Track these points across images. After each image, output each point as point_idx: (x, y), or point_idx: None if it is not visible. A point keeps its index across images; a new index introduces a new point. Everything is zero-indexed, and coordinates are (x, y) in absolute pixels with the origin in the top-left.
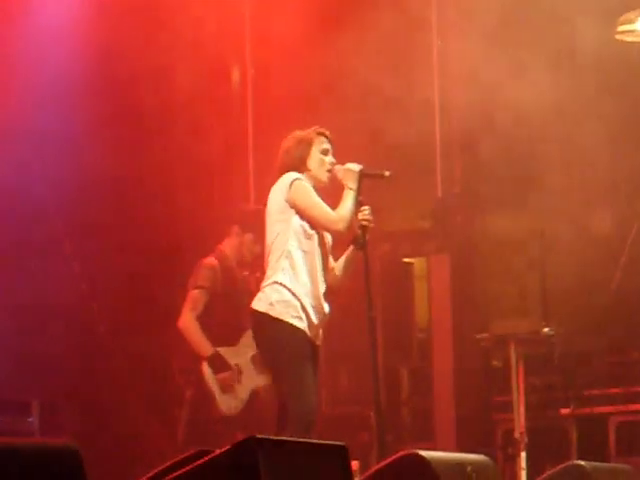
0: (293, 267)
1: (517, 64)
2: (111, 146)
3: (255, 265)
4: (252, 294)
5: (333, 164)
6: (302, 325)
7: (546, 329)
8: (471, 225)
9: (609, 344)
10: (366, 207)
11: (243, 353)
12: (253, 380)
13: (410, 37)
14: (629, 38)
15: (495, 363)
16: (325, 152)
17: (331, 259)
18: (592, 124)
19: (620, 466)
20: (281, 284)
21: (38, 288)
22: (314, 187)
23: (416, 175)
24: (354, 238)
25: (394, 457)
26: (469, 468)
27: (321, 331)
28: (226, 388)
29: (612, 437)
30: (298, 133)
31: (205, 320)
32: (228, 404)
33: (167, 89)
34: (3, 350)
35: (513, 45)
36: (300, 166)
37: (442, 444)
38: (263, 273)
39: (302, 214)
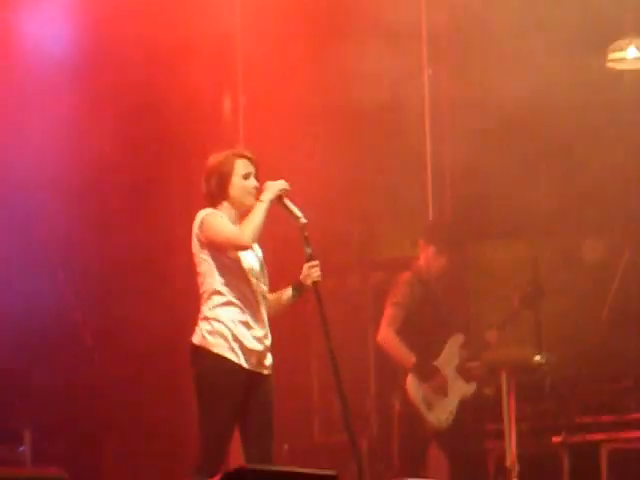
0: (223, 302)
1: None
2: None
3: (444, 277)
4: (450, 306)
5: (257, 188)
6: (234, 357)
7: (537, 357)
8: (464, 253)
9: (601, 371)
10: (316, 262)
11: (447, 364)
12: (460, 390)
13: (400, 67)
14: (620, 66)
15: (487, 391)
16: (247, 176)
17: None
18: (585, 154)
19: None
20: (213, 317)
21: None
22: (237, 215)
23: (408, 203)
24: (296, 285)
25: None
26: None
27: (269, 360)
28: (439, 393)
29: (604, 465)
30: (217, 158)
31: (405, 335)
32: (437, 417)
33: (160, 118)
34: None
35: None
36: (221, 195)
37: (434, 473)
38: (452, 287)
39: (214, 246)
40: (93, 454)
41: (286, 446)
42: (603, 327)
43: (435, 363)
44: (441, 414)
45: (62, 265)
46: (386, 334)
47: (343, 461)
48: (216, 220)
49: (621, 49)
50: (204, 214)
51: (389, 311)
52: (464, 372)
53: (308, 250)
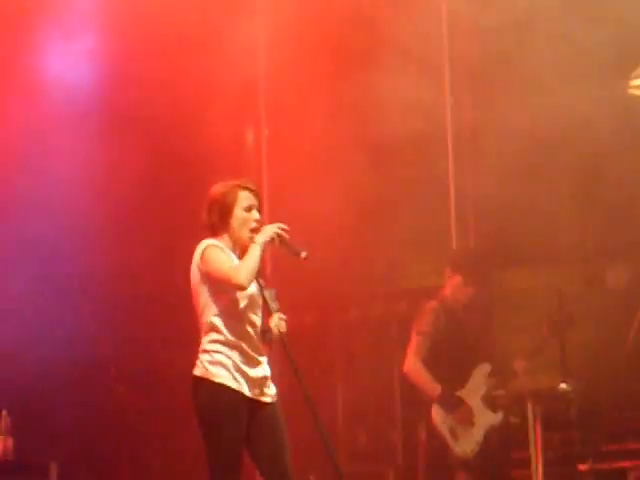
0: (221, 332)
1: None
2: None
3: (470, 306)
4: (477, 335)
5: (258, 221)
6: (236, 385)
7: (563, 385)
8: (488, 281)
9: (627, 399)
10: (283, 316)
11: (473, 393)
12: (487, 420)
13: (423, 97)
14: None
15: (513, 420)
16: (249, 209)
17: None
18: (608, 180)
19: None
20: (213, 350)
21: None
22: (237, 247)
23: (431, 232)
24: (266, 328)
25: None
26: None
27: (272, 388)
28: (465, 423)
29: None
30: (222, 186)
31: (431, 364)
32: (463, 448)
33: (183, 154)
34: (22, 413)
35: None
36: (222, 226)
37: None
38: (478, 316)
39: (212, 280)
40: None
41: (312, 477)
42: (628, 354)
43: (461, 393)
44: (467, 445)
45: (87, 298)
46: (412, 364)
47: None
48: (217, 254)
49: None
50: (205, 245)
51: (415, 340)
52: (490, 401)
53: (274, 306)
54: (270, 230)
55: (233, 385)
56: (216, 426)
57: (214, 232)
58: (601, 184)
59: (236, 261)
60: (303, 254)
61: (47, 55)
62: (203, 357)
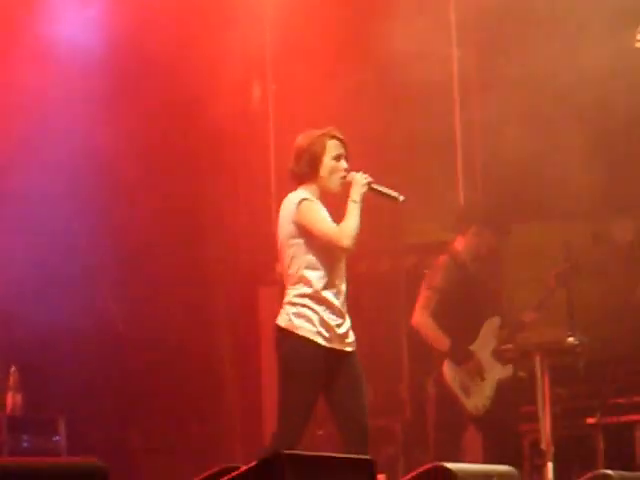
0: (310, 285)
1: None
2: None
3: (482, 260)
4: (486, 286)
5: (347, 170)
6: (321, 339)
7: (571, 339)
8: (501, 235)
9: (634, 352)
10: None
11: (483, 347)
12: (497, 373)
13: (429, 50)
14: None
15: (521, 374)
16: (338, 157)
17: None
18: (615, 135)
19: None
20: (299, 303)
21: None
22: (325, 195)
23: (438, 187)
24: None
25: (421, 469)
26: (495, 479)
27: (352, 337)
28: (475, 377)
29: (638, 445)
30: (310, 135)
31: (441, 319)
32: (475, 403)
33: (190, 110)
34: (30, 369)
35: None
36: (311, 174)
37: (469, 456)
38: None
39: (309, 235)
40: (126, 442)
41: (321, 432)
42: (634, 308)
43: (471, 347)
44: (478, 400)
45: (92, 253)
46: (421, 317)
47: (378, 445)
48: (317, 212)
49: None
50: (299, 198)
51: (425, 294)
52: (500, 355)
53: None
54: (360, 183)
55: (316, 339)
56: (294, 377)
57: (301, 181)
58: (611, 138)
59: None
60: (401, 198)
61: (57, 22)
62: (289, 309)
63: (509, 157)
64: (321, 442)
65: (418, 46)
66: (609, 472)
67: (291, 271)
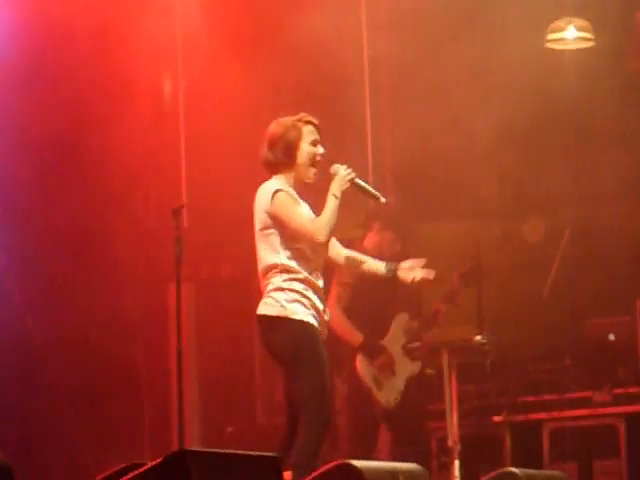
0: (297, 271)
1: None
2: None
3: (396, 257)
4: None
5: (324, 155)
6: (314, 322)
7: (478, 337)
8: (414, 236)
9: (542, 351)
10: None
11: (393, 343)
12: (407, 369)
13: (339, 37)
14: (559, 46)
15: (429, 371)
16: (315, 143)
17: (338, 247)
18: (525, 135)
19: (554, 473)
20: (288, 288)
21: None
22: (298, 184)
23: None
24: (391, 269)
25: (327, 467)
26: (401, 477)
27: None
28: (387, 372)
29: (546, 444)
30: (283, 122)
31: (352, 315)
32: (387, 397)
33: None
34: None
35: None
36: (288, 162)
37: (384, 454)
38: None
39: (283, 226)
40: (40, 443)
41: (230, 429)
42: (543, 307)
43: (382, 342)
44: (390, 394)
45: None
46: (333, 313)
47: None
48: (292, 204)
49: (560, 29)
50: (273, 189)
51: (335, 290)
52: (410, 351)
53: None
54: (344, 178)
55: (312, 321)
56: (302, 361)
57: (276, 170)
58: (520, 137)
59: (306, 208)
60: (382, 199)
61: None
62: (278, 295)
63: (420, 155)
64: (229, 439)
65: (328, 33)
66: (515, 470)
67: (271, 260)
